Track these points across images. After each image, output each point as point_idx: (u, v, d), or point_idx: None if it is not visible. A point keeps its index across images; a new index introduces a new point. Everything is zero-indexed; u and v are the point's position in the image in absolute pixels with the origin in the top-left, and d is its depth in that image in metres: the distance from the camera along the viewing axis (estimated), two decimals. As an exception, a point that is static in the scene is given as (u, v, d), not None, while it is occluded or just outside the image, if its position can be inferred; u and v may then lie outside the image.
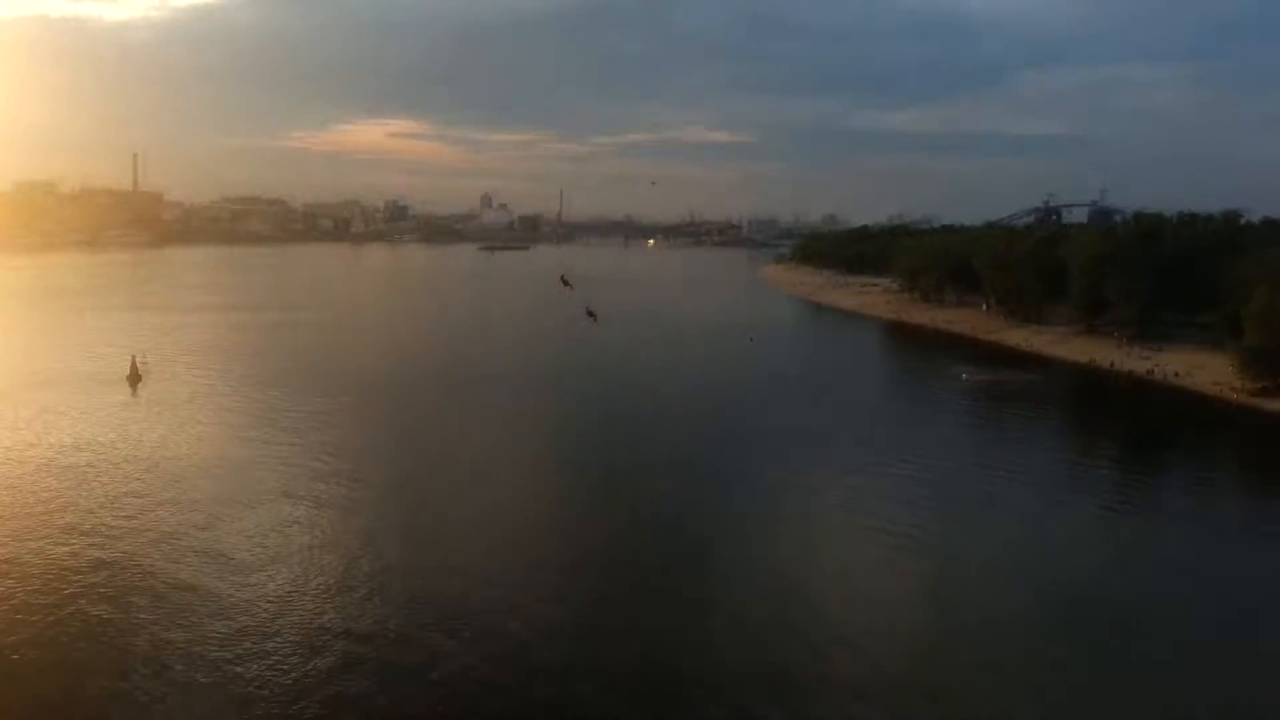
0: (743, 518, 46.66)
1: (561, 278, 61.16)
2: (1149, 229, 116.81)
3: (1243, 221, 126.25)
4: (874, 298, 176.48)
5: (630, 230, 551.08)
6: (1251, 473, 63.24)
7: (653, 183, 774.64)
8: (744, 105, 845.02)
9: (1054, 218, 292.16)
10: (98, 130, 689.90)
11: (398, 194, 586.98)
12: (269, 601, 34.60)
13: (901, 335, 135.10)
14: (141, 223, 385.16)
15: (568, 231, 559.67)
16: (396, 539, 42.10)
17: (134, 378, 79.09)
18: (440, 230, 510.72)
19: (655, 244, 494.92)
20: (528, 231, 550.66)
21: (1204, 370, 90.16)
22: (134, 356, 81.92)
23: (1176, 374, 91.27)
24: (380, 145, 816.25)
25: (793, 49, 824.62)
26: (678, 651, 32.00)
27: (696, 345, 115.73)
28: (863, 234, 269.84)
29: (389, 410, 72.32)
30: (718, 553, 41.92)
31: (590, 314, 59.61)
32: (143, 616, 33.37)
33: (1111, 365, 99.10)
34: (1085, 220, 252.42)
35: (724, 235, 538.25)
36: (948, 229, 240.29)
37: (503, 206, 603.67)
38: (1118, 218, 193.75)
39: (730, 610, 35.55)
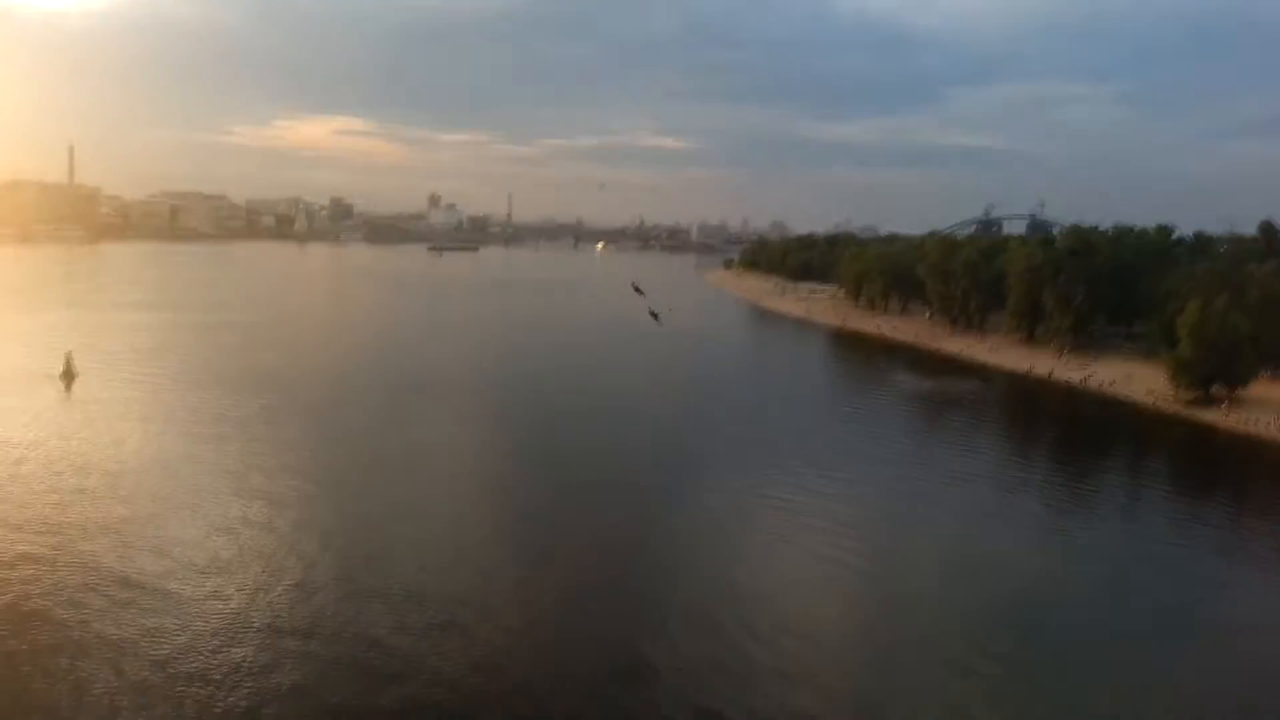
0: (696, 520, 46.78)
1: (634, 285, 67.20)
2: (1084, 241, 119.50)
3: (1174, 235, 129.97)
4: (820, 305, 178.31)
5: (579, 233, 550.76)
6: (1183, 482, 64.88)
7: (601, 186, 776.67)
8: (692, 112, 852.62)
9: (994, 228, 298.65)
10: (30, 122, 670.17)
11: (342, 192, 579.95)
12: (196, 594, 33.68)
13: (847, 342, 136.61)
14: (76, 218, 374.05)
15: (516, 233, 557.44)
16: (319, 536, 41.26)
17: (68, 376, 76.61)
18: (386, 229, 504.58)
19: (604, 248, 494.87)
20: (476, 232, 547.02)
21: (1137, 380, 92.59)
22: (68, 354, 79.32)
23: (1112, 383, 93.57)
24: (324, 142, 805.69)
25: (738, 58, 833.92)
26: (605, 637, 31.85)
27: (645, 347, 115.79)
28: (809, 241, 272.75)
29: (319, 414, 70.67)
30: (660, 555, 41.91)
31: (654, 314, 68.05)
32: (73, 611, 32.36)
33: (1049, 374, 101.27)
34: (1024, 231, 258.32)
35: (672, 240, 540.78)
36: (891, 238, 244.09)
37: (451, 207, 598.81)
38: (1055, 229, 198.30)
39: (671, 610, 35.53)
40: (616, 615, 35.59)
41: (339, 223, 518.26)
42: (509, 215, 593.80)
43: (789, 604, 37.43)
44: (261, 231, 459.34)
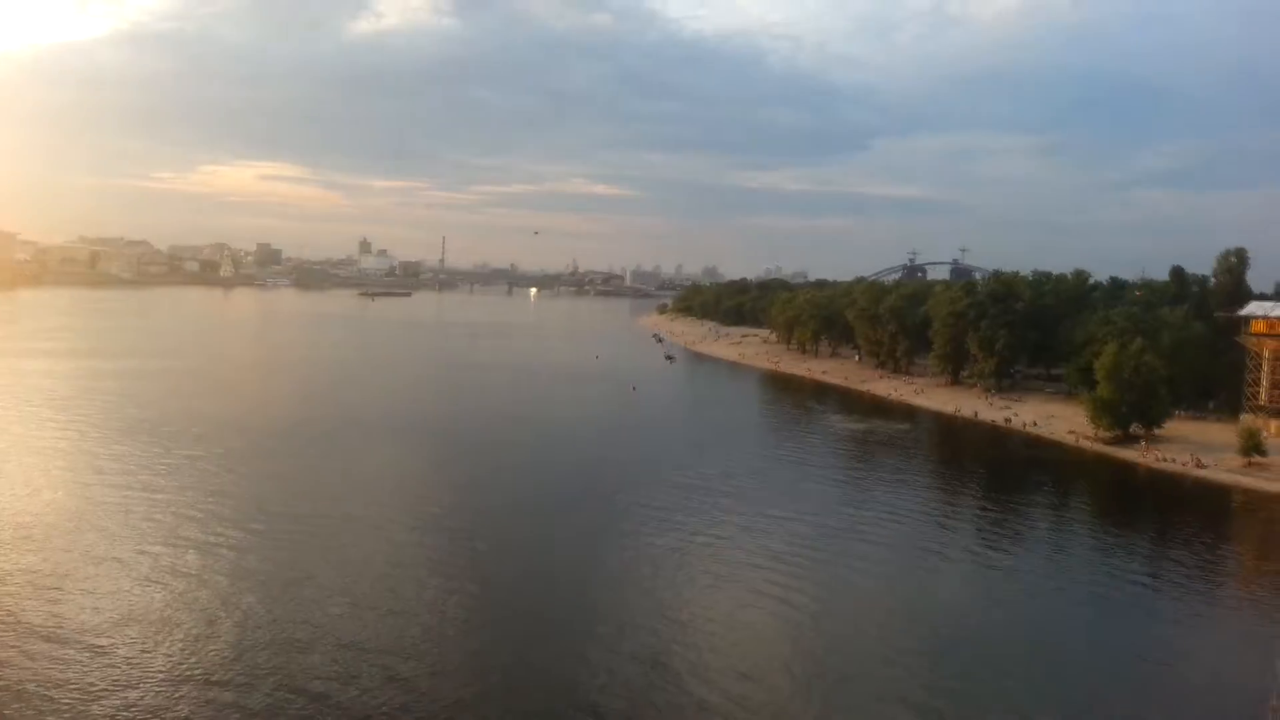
0: (641, 556, 46.45)
1: (655, 336, 66.17)
2: (1006, 286, 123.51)
3: (1091, 281, 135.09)
4: (753, 348, 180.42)
5: (514, 279, 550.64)
6: (1109, 517, 66.59)
7: (535, 232, 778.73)
8: (626, 160, 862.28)
9: (919, 274, 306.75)
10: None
11: (270, 238, 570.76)
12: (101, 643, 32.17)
13: (780, 385, 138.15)
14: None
15: (449, 279, 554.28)
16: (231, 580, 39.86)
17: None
18: (315, 275, 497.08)
19: (538, 293, 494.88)
20: (408, 278, 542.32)
21: (1059, 420, 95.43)
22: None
23: (1035, 424, 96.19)
24: (250, 188, 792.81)
25: (670, 109, 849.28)
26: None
27: (585, 394, 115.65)
28: (741, 286, 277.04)
29: (237, 461, 68.62)
30: (604, 595, 41.46)
31: (669, 358, 65.60)
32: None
33: (975, 415, 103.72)
34: (947, 277, 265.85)
35: (607, 285, 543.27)
36: (821, 283, 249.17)
37: (382, 252, 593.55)
38: (977, 275, 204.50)
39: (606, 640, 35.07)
40: (565, 655, 35.01)
41: (266, 268, 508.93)
42: (442, 260, 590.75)
43: (725, 638, 37.29)
44: (185, 277, 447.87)
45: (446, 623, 38.37)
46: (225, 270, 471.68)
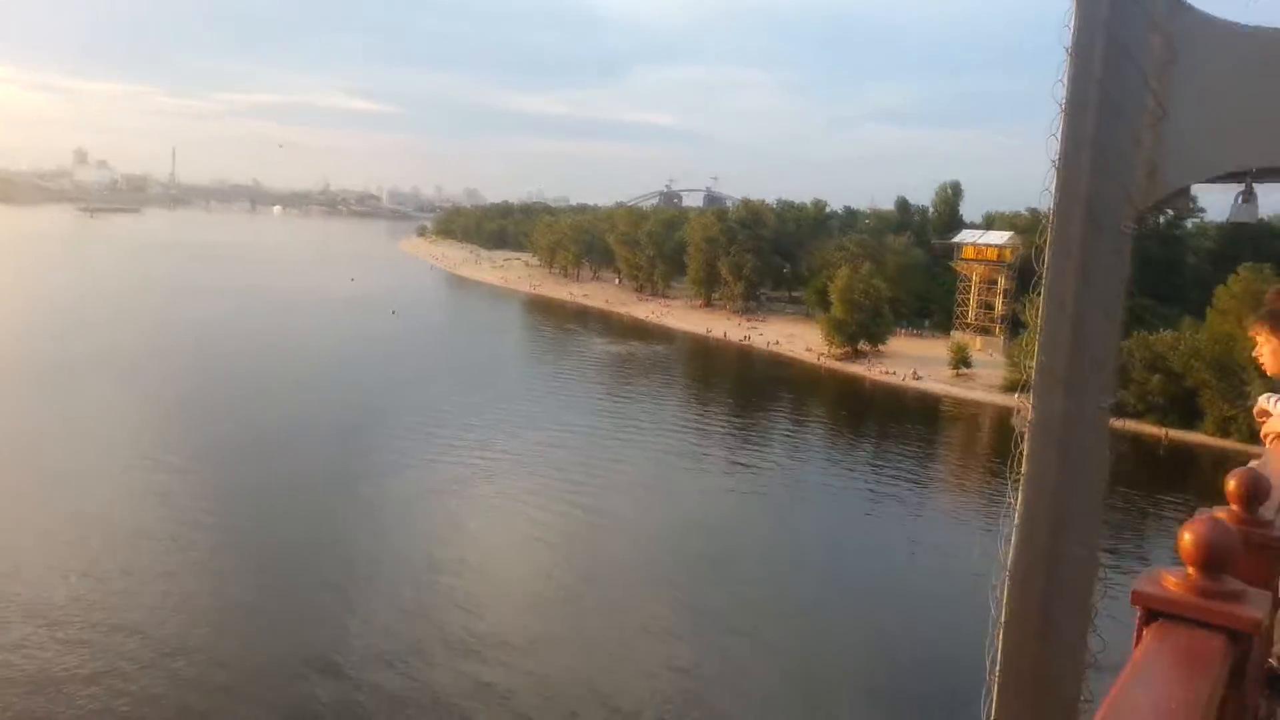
0: (395, 488, 45.39)
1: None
2: (754, 214, 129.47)
3: (828, 209, 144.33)
4: (516, 272, 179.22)
5: (257, 195, 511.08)
6: (839, 424, 72.82)
7: (280, 146, 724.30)
8: (385, 75, 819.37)
9: (675, 200, 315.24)
10: None
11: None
12: None
13: (543, 309, 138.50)
14: None
15: (183, 194, 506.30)
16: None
17: None
18: (21, 188, 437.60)
19: (284, 211, 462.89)
20: (134, 193, 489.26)
21: (799, 339, 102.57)
22: None
23: (777, 342, 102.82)
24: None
25: (431, 23, 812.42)
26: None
27: (339, 319, 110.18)
28: (504, 210, 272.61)
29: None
30: (358, 526, 40.39)
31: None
32: None
33: (725, 335, 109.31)
34: (701, 204, 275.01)
35: (362, 206, 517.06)
36: (582, 208, 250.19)
37: (103, 164, 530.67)
38: (729, 203, 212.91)
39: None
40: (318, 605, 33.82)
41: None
42: (173, 174, 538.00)
43: (484, 572, 37.65)
44: None
45: (180, 576, 35.93)
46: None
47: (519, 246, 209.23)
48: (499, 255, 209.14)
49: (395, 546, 39.14)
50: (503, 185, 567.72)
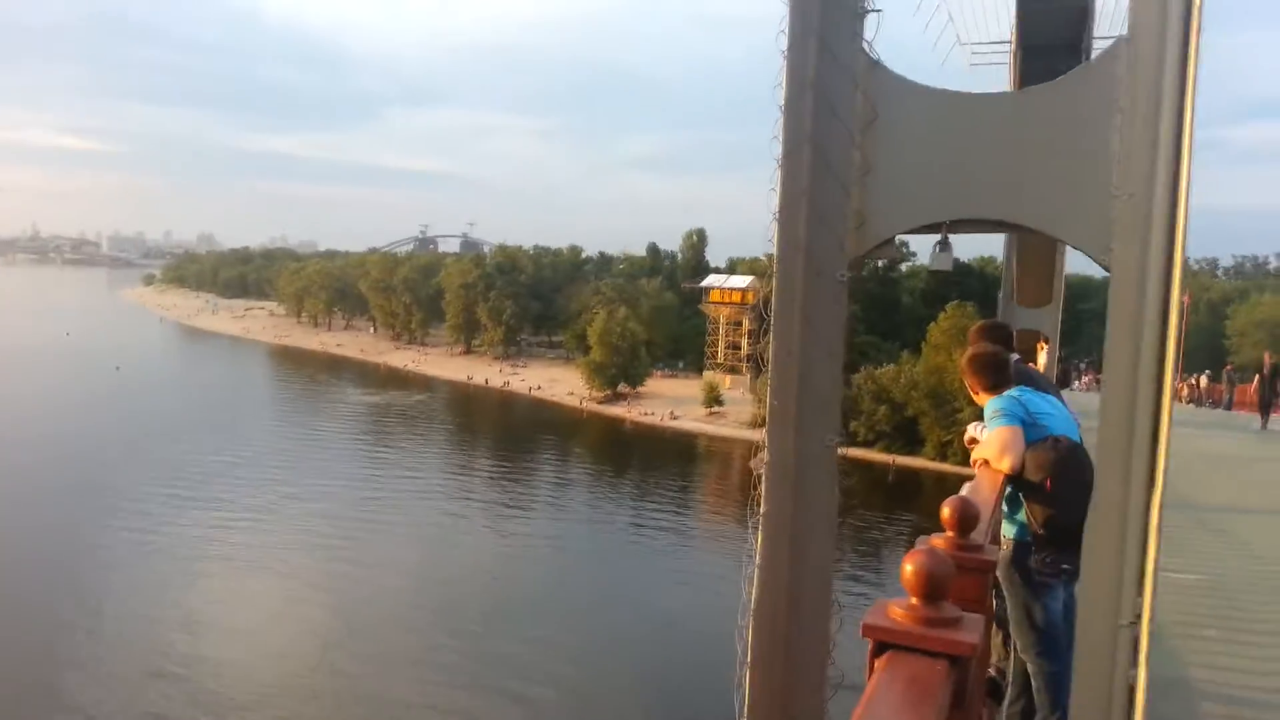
0: (121, 553, 40.85)
1: None
2: (511, 259, 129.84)
3: (584, 254, 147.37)
4: (259, 322, 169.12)
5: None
6: (599, 467, 73.72)
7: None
8: (101, 110, 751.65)
9: (430, 246, 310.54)
10: None
11: None
12: None
13: (291, 359, 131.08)
14: None
15: None
16: None
17: None
18: None
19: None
20: None
21: (560, 383, 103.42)
22: None
23: (539, 387, 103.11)
24: None
25: (154, 56, 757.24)
26: None
27: (55, 376, 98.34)
28: (244, 256, 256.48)
29: None
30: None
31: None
32: None
33: (486, 382, 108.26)
34: (458, 249, 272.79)
35: (78, 253, 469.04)
36: (331, 254, 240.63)
37: None
38: (485, 248, 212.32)
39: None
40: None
41: None
42: None
43: (224, 626, 34.73)
44: None
45: None
46: None
47: (261, 295, 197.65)
48: (239, 304, 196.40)
49: (135, 611, 35.34)
50: (242, 230, 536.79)
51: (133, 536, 46.12)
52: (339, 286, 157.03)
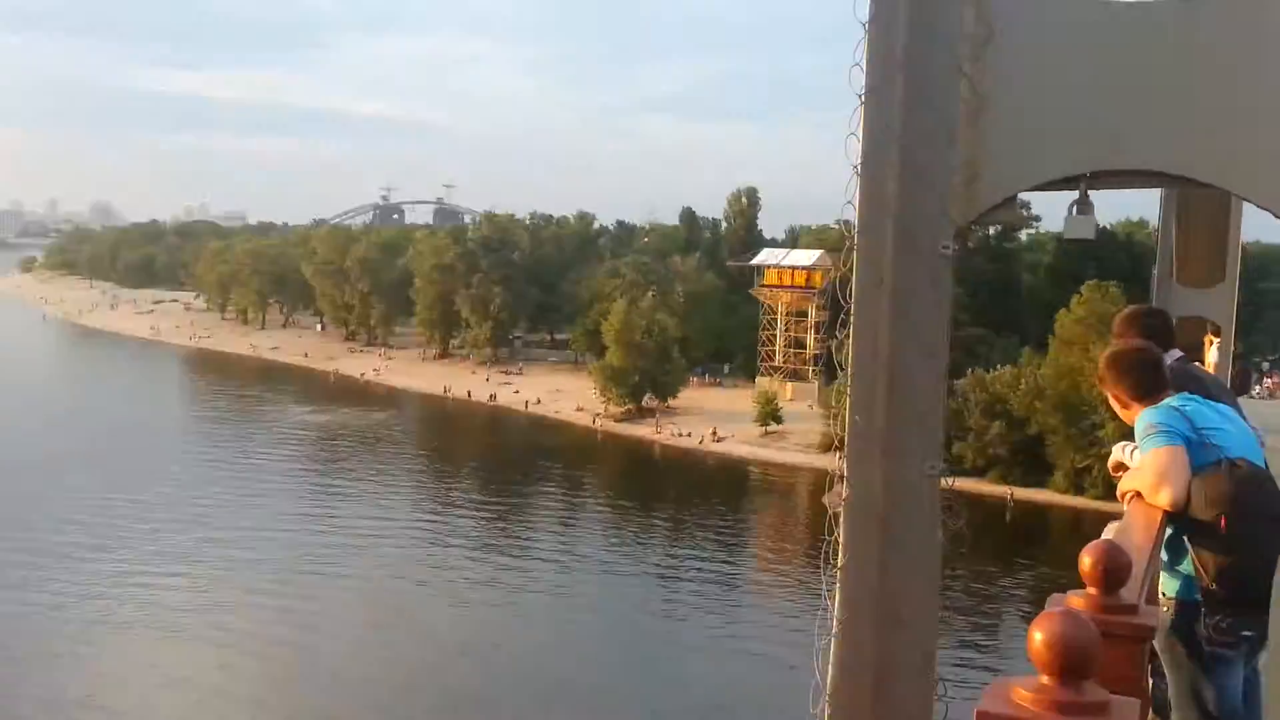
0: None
1: None
2: (501, 232, 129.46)
3: (596, 224, 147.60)
4: (172, 319, 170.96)
5: None
6: (620, 508, 73.85)
7: None
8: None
9: (395, 215, 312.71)
10: None
11: None
12: None
13: (215, 367, 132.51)
14: None
15: None
16: None
17: None
18: None
19: None
20: None
21: (566, 395, 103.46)
22: None
23: (539, 401, 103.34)
24: None
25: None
26: None
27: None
28: (153, 233, 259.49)
29: None
30: None
31: None
32: None
33: (469, 395, 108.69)
34: (431, 220, 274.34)
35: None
36: (266, 228, 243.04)
37: None
38: (467, 218, 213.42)
39: None
40: None
41: None
42: None
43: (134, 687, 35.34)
44: None
45: None
46: None
47: (175, 283, 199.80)
48: (146, 296, 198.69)
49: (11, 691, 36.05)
50: (150, 198, 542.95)
51: (8, 597, 46.85)
52: (275, 271, 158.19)
